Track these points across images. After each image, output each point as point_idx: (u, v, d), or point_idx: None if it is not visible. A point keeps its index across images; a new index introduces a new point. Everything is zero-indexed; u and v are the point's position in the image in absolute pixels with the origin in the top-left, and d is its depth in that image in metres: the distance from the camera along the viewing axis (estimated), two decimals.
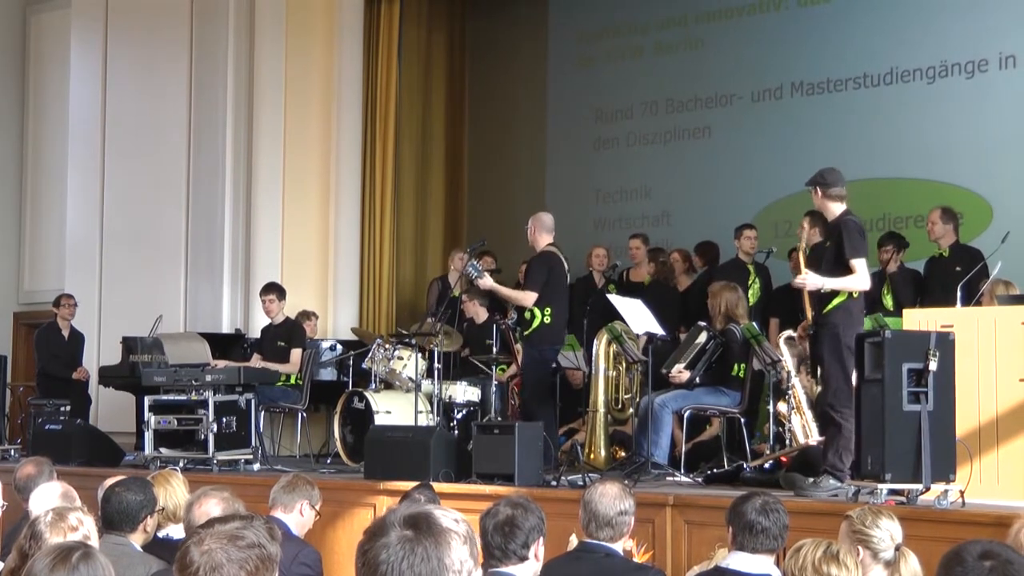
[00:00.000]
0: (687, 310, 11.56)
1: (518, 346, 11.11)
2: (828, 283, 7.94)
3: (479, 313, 11.87)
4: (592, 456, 10.52)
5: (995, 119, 11.79)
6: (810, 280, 7.97)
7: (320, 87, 14.13)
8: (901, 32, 12.39)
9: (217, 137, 13.97)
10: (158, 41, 14.48)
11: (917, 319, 8.22)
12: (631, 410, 10.54)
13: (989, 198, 11.69)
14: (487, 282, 10.32)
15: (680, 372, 9.81)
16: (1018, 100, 11.69)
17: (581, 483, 8.56)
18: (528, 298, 10.11)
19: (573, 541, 5.56)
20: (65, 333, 13.54)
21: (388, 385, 11.22)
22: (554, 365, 10.67)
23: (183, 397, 10.81)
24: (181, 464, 10.30)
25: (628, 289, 12.06)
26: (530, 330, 10.18)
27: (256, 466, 10.65)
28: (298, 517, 6.36)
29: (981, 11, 11.95)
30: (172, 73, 14.32)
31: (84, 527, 4.64)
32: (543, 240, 10.32)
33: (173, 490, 6.31)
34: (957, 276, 9.77)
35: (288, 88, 13.96)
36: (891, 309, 10.41)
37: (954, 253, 10.76)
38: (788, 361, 9.46)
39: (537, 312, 10.13)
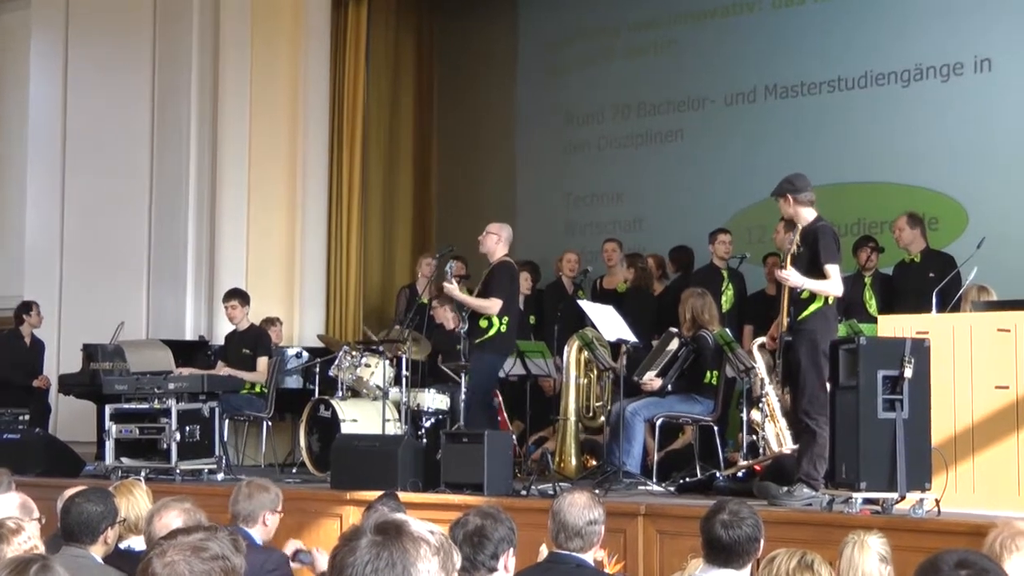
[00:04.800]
0: (661, 316, 11.55)
1: None
2: (807, 284, 7.97)
3: (449, 319, 11.86)
4: (563, 465, 10.52)
5: (970, 123, 11.83)
6: (792, 276, 7.98)
7: (286, 91, 14.09)
8: (875, 35, 12.43)
9: (181, 141, 13.91)
10: (120, 45, 14.42)
11: (892, 325, 8.24)
12: (602, 418, 10.54)
13: (964, 202, 11.74)
14: (452, 289, 10.33)
15: (652, 379, 9.81)
16: (993, 103, 11.74)
17: (551, 493, 8.57)
18: (494, 306, 10.12)
19: (543, 552, 5.54)
20: (27, 341, 13.45)
21: (355, 393, 11.17)
22: (507, 373, 10.67)
23: (145, 406, 10.78)
24: (143, 474, 10.24)
25: (603, 296, 12.06)
26: (484, 338, 10.18)
27: (220, 476, 10.62)
28: (262, 528, 6.32)
29: (956, 14, 12.00)
30: (135, 77, 14.25)
31: (25, 532, 4.58)
32: (502, 251, 10.36)
33: (136, 500, 6.27)
34: (930, 282, 9.80)
35: (253, 92, 13.91)
36: (875, 314, 10.41)
37: (926, 259, 10.81)
38: (761, 368, 9.47)
39: (495, 320, 10.15)
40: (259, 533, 6.29)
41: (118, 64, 14.44)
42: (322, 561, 6.25)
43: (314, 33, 14.24)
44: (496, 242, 10.36)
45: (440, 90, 15.70)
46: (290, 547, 6.42)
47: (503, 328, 10.19)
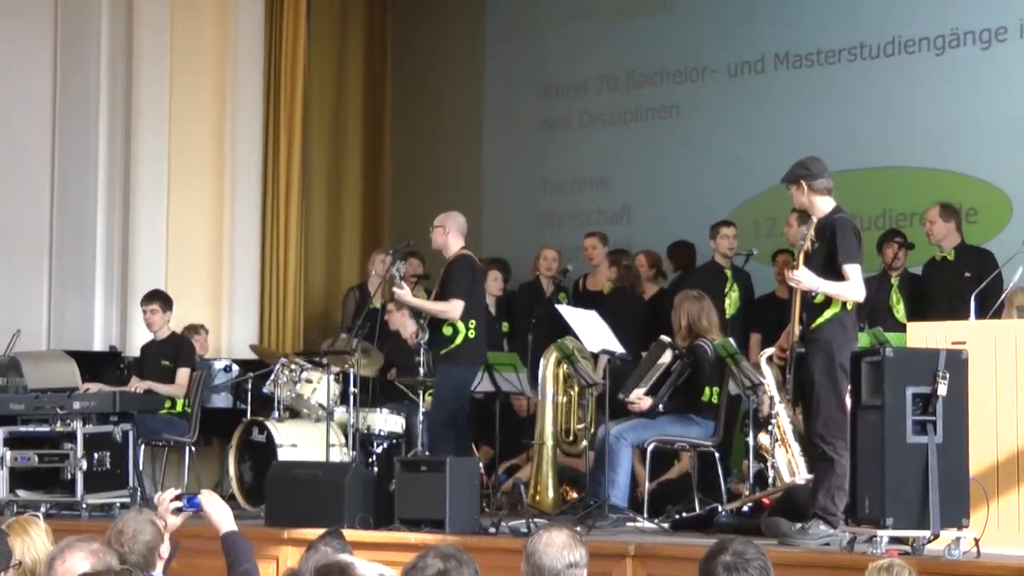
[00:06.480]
0: (655, 323, 11.55)
1: None
2: (823, 286, 7.99)
3: (406, 325, 11.82)
4: (538, 497, 10.54)
5: (1015, 97, 11.84)
6: (806, 279, 7.99)
7: (213, 54, 14.03)
8: None
9: (88, 115, 13.82)
10: (14, 2, 14.30)
11: (923, 334, 8.25)
12: (584, 443, 10.54)
13: (1008, 190, 11.76)
14: (403, 294, 10.31)
15: (640, 398, 9.81)
16: None
17: (524, 530, 8.61)
18: (455, 309, 10.11)
19: None
20: None
21: (294, 413, 11.18)
22: (473, 390, 10.68)
23: (46, 428, 10.73)
24: (43, 509, 10.16)
25: (586, 299, 12.07)
26: (451, 347, 10.18)
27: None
28: (161, 562, 6.26)
29: None
30: (33, 40, 14.10)
31: None
32: (456, 244, 10.38)
33: (33, 541, 6.22)
34: (966, 283, 9.83)
35: (174, 55, 13.83)
36: (903, 321, 10.43)
37: (961, 256, 10.84)
38: (771, 384, 9.48)
39: (460, 326, 10.14)
40: (161, 569, 6.25)
41: (13, 20, 14.28)
42: (214, 506, 6.25)
43: None
44: (444, 235, 10.37)
45: (395, 53, 15.67)
46: (170, 501, 6.33)
47: (471, 334, 10.18)
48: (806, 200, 8.25)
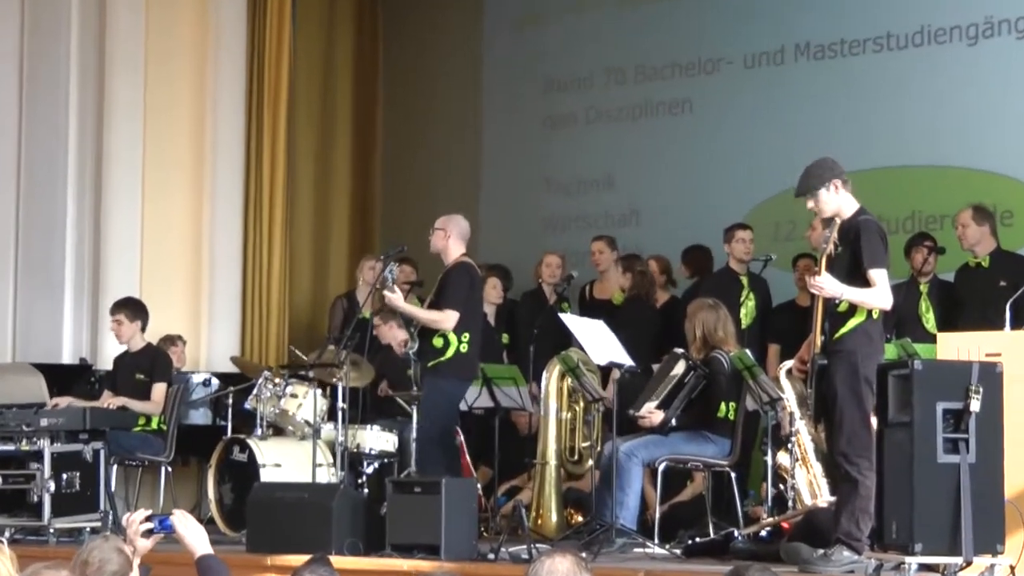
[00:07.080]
0: (668, 334, 11.51)
1: None
2: (848, 292, 7.93)
3: (397, 337, 11.83)
4: (541, 521, 10.56)
5: None
6: (828, 285, 7.94)
7: (192, 39, 14.03)
8: None
9: (58, 112, 13.81)
10: None
11: (955, 345, 8.20)
12: (590, 462, 10.53)
13: None
14: (395, 299, 10.29)
15: (651, 412, 9.78)
16: None
17: (526, 556, 8.58)
18: (448, 320, 10.12)
19: None
20: None
21: (278, 431, 11.16)
22: (471, 405, 10.66)
23: (11, 447, 10.72)
24: (7, 534, 10.19)
25: (594, 308, 12.05)
26: (440, 359, 10.18)
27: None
28: None
29: None
30: None
31: None
32: (457, 250, 10.39)
33: None
34: (1001, 291, 9.80)
35: (149, 40, 13.82)
36: (933, 331, 10.39)
37: (995, 262, 10.82)
38: (791, 399, 9.45)
39: (452, 338, 10.14)
40: None
41: None
42: (187, 527, 6.15)
43: None
44: (445, 238, 10.38)
45: (386, 45, 15.71)
46: (140, 523, 6.25)
47: (463, 347, 10.18)
48: (832, 205, 8.14)
